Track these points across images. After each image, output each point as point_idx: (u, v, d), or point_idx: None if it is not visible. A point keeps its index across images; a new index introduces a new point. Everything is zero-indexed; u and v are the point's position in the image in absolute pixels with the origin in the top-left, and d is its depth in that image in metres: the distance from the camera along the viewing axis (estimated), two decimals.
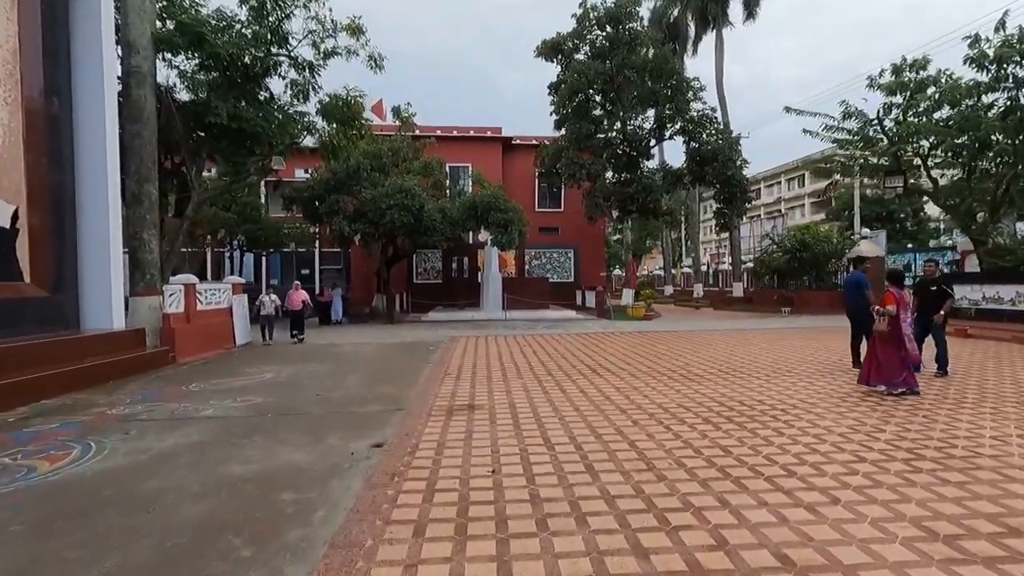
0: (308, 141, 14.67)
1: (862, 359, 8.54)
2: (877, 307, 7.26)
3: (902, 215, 41.18)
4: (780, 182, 61.10)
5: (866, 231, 22.34)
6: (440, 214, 18.83)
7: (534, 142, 30.06)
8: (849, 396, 6.84)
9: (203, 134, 13.12)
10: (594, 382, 8.07)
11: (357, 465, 4.55)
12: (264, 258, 31.44)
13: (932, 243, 38.14)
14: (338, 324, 19.58)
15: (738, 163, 22.61)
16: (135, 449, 5.12)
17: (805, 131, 19.27)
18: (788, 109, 19.75)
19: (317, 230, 24.23)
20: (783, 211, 53.27)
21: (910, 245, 35.72)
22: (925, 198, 41.91)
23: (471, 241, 28.25)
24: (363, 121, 14.24)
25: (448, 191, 22.14)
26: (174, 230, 13.25)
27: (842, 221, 39.30)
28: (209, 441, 5.33)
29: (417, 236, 18.91)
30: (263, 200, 27.51)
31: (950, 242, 33.76)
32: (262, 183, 23.44)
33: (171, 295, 11.03)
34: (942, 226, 43.50)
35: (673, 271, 39.16)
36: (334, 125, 13.73)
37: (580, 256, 30.13)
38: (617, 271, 51.38)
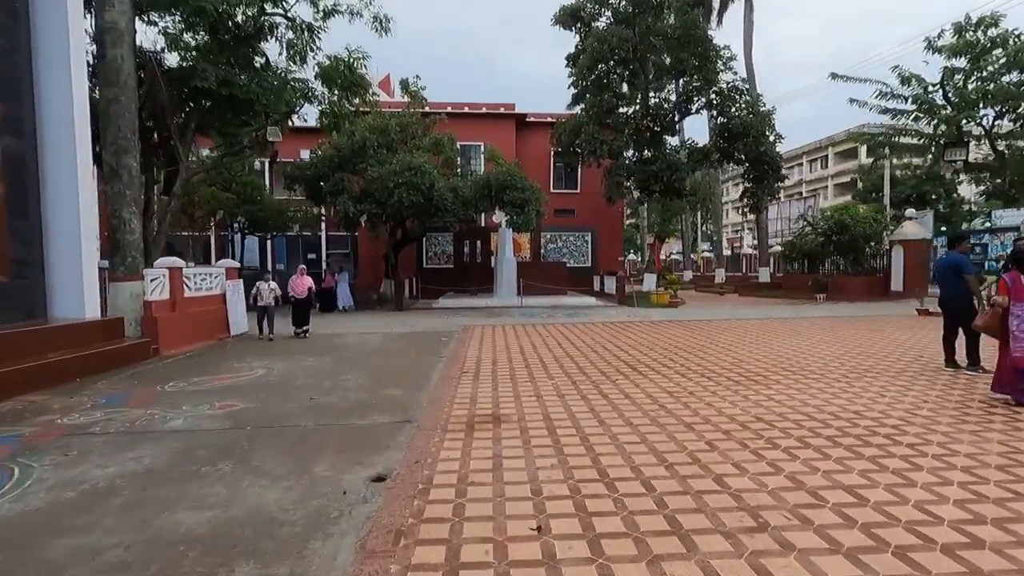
0: (309, 113, 13.39)
1: (957, 357, 7.20)
2: (995, 297, 5.86)
3: (933, 196, 39.21)
4: (802, 163, 58.88)
5: (912, 211, 20.69)
6: (451, 193, 17.51)
7: (549, 120, 28.52)
8: (968, 407, 5.50)
9: (192, 103, 11.84)
10: (639, 383, 6.80)
11: (350, 513, 3.32)
12: (268, 242, 30.52)
13: (964, 226, 36.22)
14: (344, 312, 18.41)
15: (771, 138, 20.98)
16: (65, 481, 3.93)
17: (852, 100, 17.64)
18: (834, 76, 18.08)
19: (323, 212, 23.05)
20: (805, 193, 51.22)
21: (943, 228, 33.85)
22: (960, 178, 40.03)
23: (483, 224, 26.95)
24: (367, 88, 12.86)
25: (460, 170, 20.75)
26: (162, 209, 12.06)
27: (869, 204, 37.42)
28: (162, 469, 4.13)
29: (427, 217, 17.62)
30: (267, 180, 26.42)
31: (988, 224, 31.91)
32: (263, 162, 22.24)
33: (153, 280, 9.86)
34: (973, 207, 41.45)
35: (693, 256, 37.61)
36: (335, 92, 12.40)
37: (598, 239, 28.71)
38: (632, 256, 49.84)
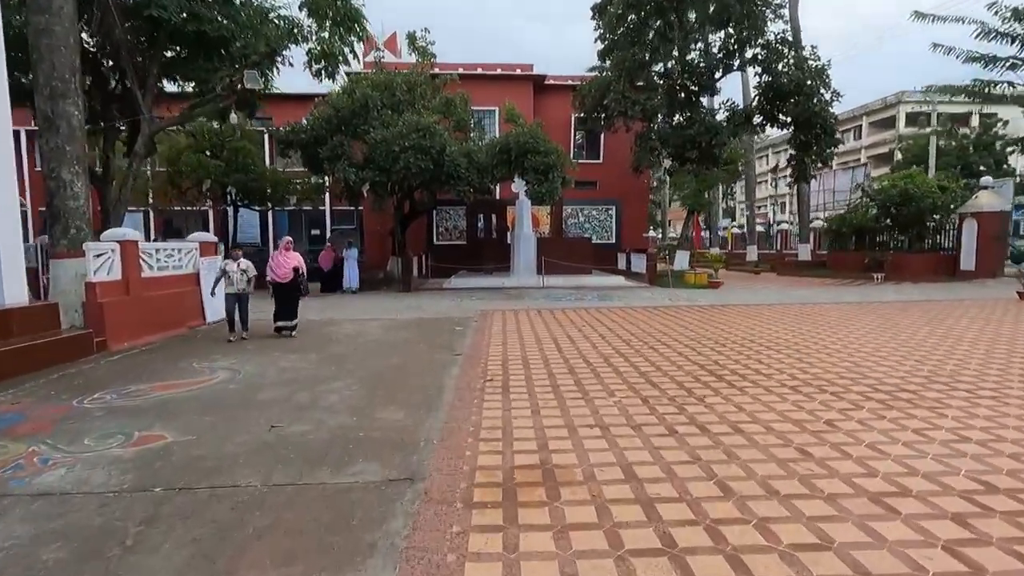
0: (301, 74, 11.23)
1: None
2: None
3: (982, 168, 36.25)
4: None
5: (988, 179, 18.19)
6: (465, 159, 15.36)
7: (570, 83, 26.08)
8: None
9: (155, 42, 9.76)
10: (739, 403, 4.79)
11: None
12: (270, 216, 28.62)
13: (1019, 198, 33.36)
14: (347, 293, 16.42)
15: (827, 97, 18.48)
16: None
17: (935, 45, 15.10)
18: (918, 14, 15.49)
19: (328, 182, 20.94)
20: (835, 166, 48.12)
21: None
22: (1011, 149, 36.98)
23: (498, 197, 24.78)
24: (363, 24, 10.65)
25: (474, 134, 18.48)
26: (123, 173, 10.09)
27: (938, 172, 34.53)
28: None
29: (437, 186, 15.52)
30: (267, 149, 24.35)
31: None
32: (262, 130, 20.14)
33: (99, 257, 7.94)
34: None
35: (721, 231, 35.17)
36: (326, 27, 10.25)
37: (622, 214, 26.44)
38: (651, 232, 47.23)
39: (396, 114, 16.30)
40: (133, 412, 4.87)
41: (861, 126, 51.84)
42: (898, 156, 42.86)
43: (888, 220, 19.61)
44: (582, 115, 23.86)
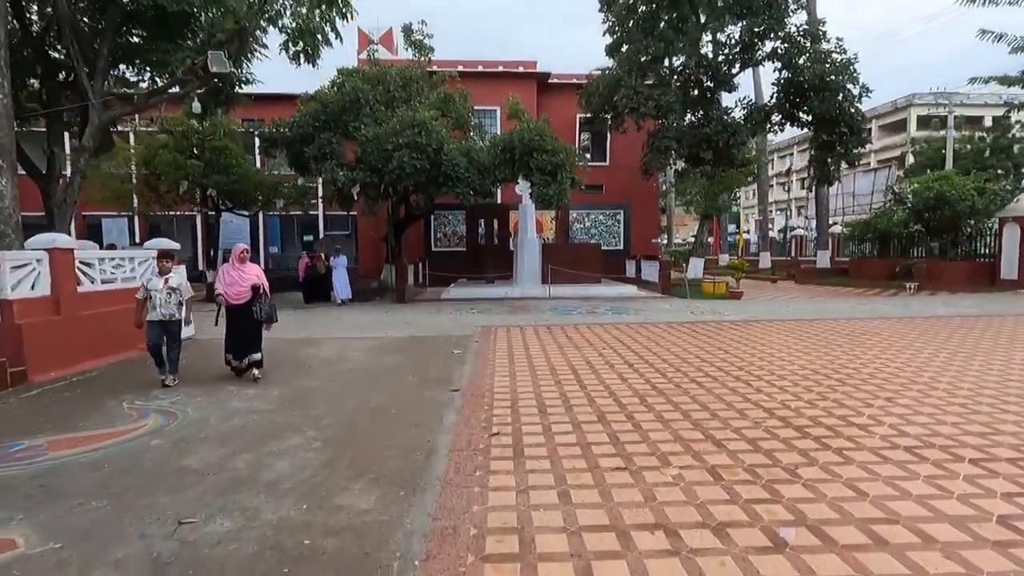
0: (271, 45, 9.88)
1: None
2: None
3: (999, 172, 34.98)
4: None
5: None
6: (465, 158, 14.03)
7: (575, 81, 24.82)
8: None
9: (105, 17, 8.43)
10: (853, 481, 3.38)
11: None
12: (260, 222, 27.30)
13: None
14: (338, 305, 14.95)
15: (856, 92, 17.18)
16: None
17: (984, 32, 13.81)
18: None
19: (321, 187, 19.59)
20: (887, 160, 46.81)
21: None
22: None
23: (500, 201, 23.45)
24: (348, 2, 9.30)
25: (474, 131, 17.12)
26: (70, 169, 8.72)
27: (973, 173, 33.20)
28: None
29: (434, 188, 14.16)
30: (256, 152, 23.01)
31: None
32: (250, 130, 18.80)
33: (20, 268, 6.55)
34: None
35: (732, 238, 33.83)
36: (304, 1, 8.92)
37: (630, 218, 25.09)
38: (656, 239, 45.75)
39: (390, 111, 14.99)
40: (0, 490, 3.48)
41: (871, 129, 50.57)
42: (910, 160, 41.68)
43: (919, 225, 18.26)
44: (588, 115, 22.61)
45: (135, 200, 18.83)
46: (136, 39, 8.86)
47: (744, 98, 19.56)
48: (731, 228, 45.68)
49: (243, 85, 13.94)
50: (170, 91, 9.52)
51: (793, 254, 27.85)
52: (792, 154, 54.94)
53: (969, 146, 37.17)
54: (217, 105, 14.02)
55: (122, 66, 9.31)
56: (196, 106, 10.70)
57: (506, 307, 13.82)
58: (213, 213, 18.21)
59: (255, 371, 6.30)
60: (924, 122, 44.81)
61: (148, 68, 9.29)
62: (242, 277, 6.25)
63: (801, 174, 49.51)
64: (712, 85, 18.83)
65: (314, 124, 14.64)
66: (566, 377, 6.24)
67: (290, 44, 9.13)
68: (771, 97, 19.44)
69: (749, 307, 13.54)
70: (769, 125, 19.43)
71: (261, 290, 6.35)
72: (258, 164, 22.50)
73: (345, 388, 5.96)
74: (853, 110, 17.64)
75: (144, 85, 9.79)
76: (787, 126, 20.30)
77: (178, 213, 22.09)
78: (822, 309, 12.82)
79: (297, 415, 4.96)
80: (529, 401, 5.27)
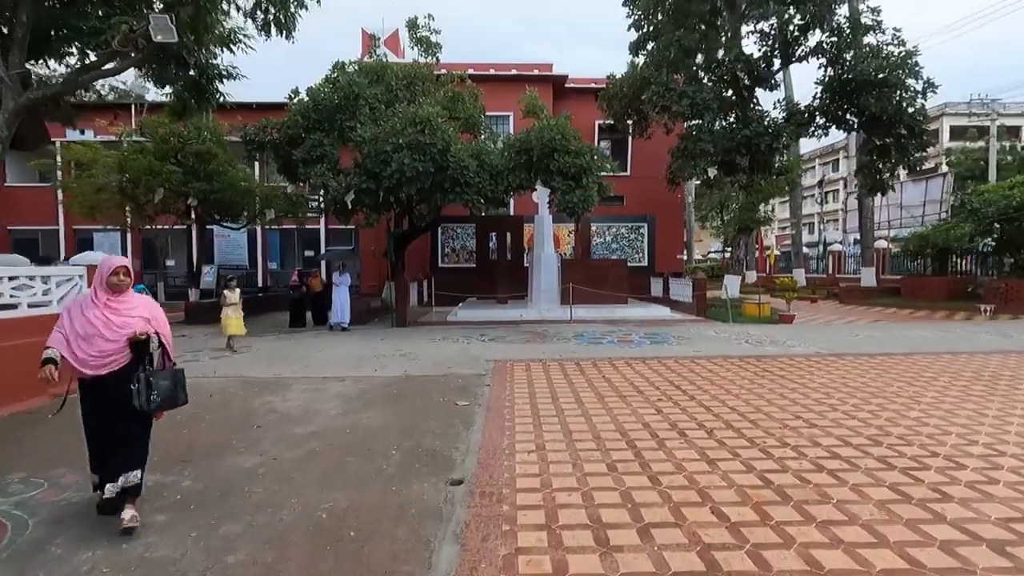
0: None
1: None
2: None
3: None
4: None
5: None
6: (474, 160, 12.15)
7: (593, 85, 23.08)
8: None
9: None
10: None
11: None
12: (259, 237, 25.66)
13: None
14: (332, 331, 12.84)
15: (919, 87, 15.17)
16: None
17: None
18: None
19: (313, 195, 17.71)
20: (852, 186, 44.49)
21: None
22: None
23: (512, 212, 21.58)
24: None
25: (485, 134, 15.22)
26: None
27: None
28: None
29: (439, 195, 12.26)
30: (257, 164, 21.32)
31: None
32: (243, 136, 17.08)
33: None
34: None
35: (769, 254, 31.65)
36: None
37: (655, 232, 23.10)
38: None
39: (390, 109, 13.21)
40: None
41: (936, 131, 48.42)
42: (943, 170, 39.39)
43: (990, 238, 16.07)
44: (610, 122, 20.80)
45: (127, 213, 17.16)
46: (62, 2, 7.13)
47: (784, 98, 17.54)
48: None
49: (223, 80, 12.29)
50: (105, 67, 7.76)
51: (831, 271, 25.62)
52: (815, 166, 52.84)
53: (1010, 157, 34.98)
54: (197, 102, 12.38)
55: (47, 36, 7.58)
56: (137, 82, 8.88)
57: (522, 333, 11.82)
58: (196, 225, 16.45)
59: (127, 515, 3.08)
60: (958, 132, 42.63)
61: (78, 41, 7.53)
62: (112, 323, 3.17)
63: (835, 185, 47.31)
64: (749, 83, 16.92)
65: (304, 123, 12.88)
66: (622, 456, 4.20)
67: (258, 9, 7.38)
68: (814, 97, 17.46)
69: (809, 334, 11.41)
70: (812, 128, 17.40)
71: (153, 346, 3.30)
72: (257, 175, 20.87)
73: (293, 475, 3.97)
74: (912, 109, 15.61)
75: (75, 60, 8.06)
76: (831, 129, 18.29)
77: (172, 227, 20.49)
78: (902, 338, 10.65)
79: (190, 546, 2.97)
80: (575, 513, 3.24)
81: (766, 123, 15.99)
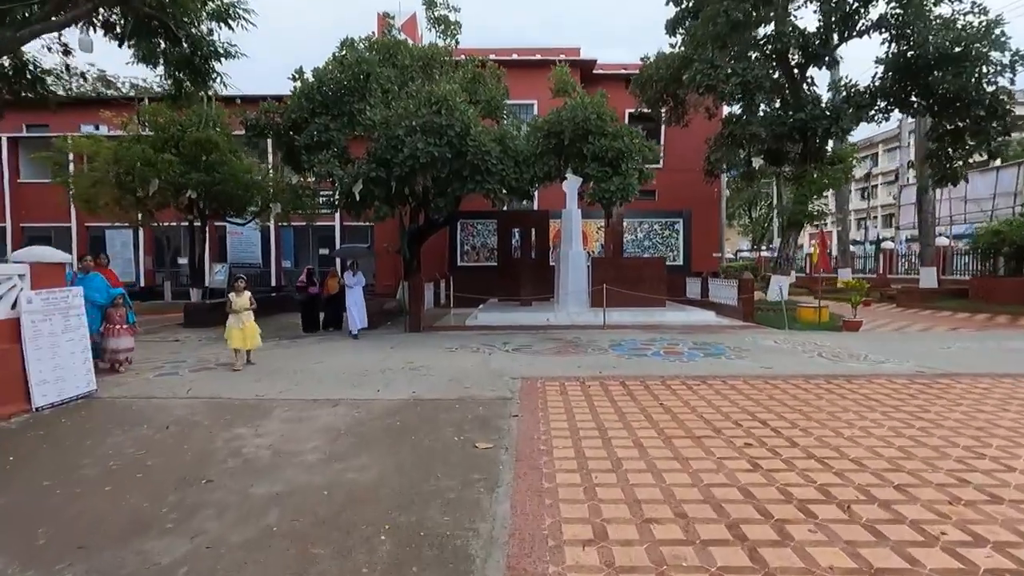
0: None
1: None
2: None
3: None
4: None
5: None
6: (497, 145, 10.72)
7: (623, 71, 21.52)
8: None
9: None
10: None
11: None
12: (272, 234, 24.68)
13: None
14: (353, 337, 11.28)
15: (1006, 60, 13.29)
16: None
17: None
18: None
19: (335, 192, 16.40)
20: (909, 178, 41.77)
21: None
22: None
23: (535, 206, 20.13)
24: None
25: (508, 120, 13.71)
26: None
27: None
28: None
29: (457, 184, 10.87)
30: (269, 157, 20.23)
31: None
32: (246, 121, 15.92)
33: None
34: None
35: (813, 252, 29.63)
36: None
37: (691, 229, 21.43)
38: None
39: (404, 91, 11.85)
40: None
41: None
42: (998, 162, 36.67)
43: None
44: (644, 109, 19.20)
45: (125, 207, 16.18)
46: None
47: (844, 78, 15.72)
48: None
49: (220, 59, 11.12)
50: (52, 19, 6.56)
51: (883, 270, 23.61)
52: (853, 159, 50.17)
53: None
54: (193, 83, 11.24)
55: None
56: (85, 40, 7.63)
57: (551, 341, 10.36)
58: (198, 223, 15.35)
59: None
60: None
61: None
62: None
63: (887, 177, 44.58)
64: (804, 61, 15.17)
65: (309, 108, 11.61)
66: (729, 558, 2.72)
67: None
68: (874, 77, 15.61)
69: (890, 345, 9.71)
70: (872, 112, 15.57)
71: None
72: (270, 168, 19.72)
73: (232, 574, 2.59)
74: (994, 87, 13.72)
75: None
76: (892, 114, 16.42)
77: (179, 224, 19.56)
78: (1005, 351, 8.91)
79: None
80: None
81: (823, 105, 14.24)
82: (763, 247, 38.55)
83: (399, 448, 4.44)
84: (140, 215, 16.20)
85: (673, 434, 4.66)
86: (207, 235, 23.88)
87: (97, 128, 22.46)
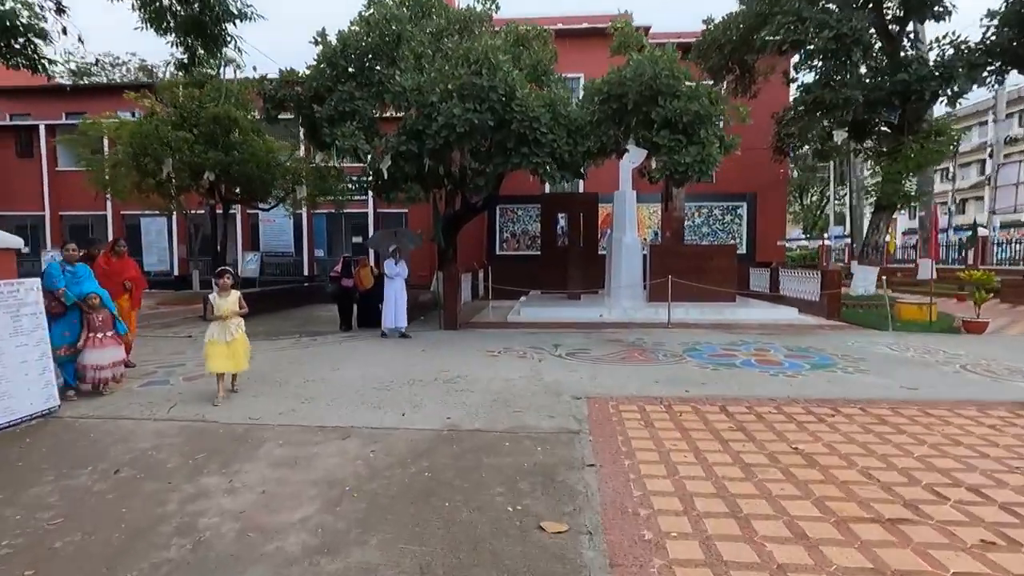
0: None
1: None
2: None
3: None
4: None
5: None
6: (547, 111, 9.05)
7: (681, 40, 19.38)
8: None
9: None
10: None
11: None
12: (304, 221, 23.73)
13: None
14: (383, 336, 9.69)
15: None
16: None
17: None
18: None
19: (369, 177, 14.90)
20: None
21: None
22: None
23: (581, 189, 18.37)
24: None
25: (557, 84, 11.93)
26: None
27: None
28: None
29: (499, 159, 9.29)
30: (301, 141, 19.11)
31: None
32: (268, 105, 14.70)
33: None
34: None
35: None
36: None
37: (755, 214, 19.28)
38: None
39: (439, 54, 10.31)
40: None
41: None
42: None
43: None
44: (706, 80, 17.09)
45: (140, 189, 15.30)
46: None
47: (951, 32, 13.32)
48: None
49: (235, 21, 9.88)
50: None
51: (974, 261, 20.88)
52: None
53: None
54: (205, 48, 10.04)
55: None
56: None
57: (610, 343, 8.71)
58: (220, 208, 14.27)
59: None
60: None
61: None
62: None
63: (979, 154, 40.55)
64: (903, 13, 12.87)
65: (332, 75, 10.22)
66: None
67: None
68: (985, 32, 13.15)
69: None
70: (989, 70, 13.13)
71: None
72: (303, 152, 18.51)
73: None
74: None
75: None
76: (1009, 74, 13.90)
77: (212, 210, 18.71)
78: None
79: None
80: None
81: (932, 64, 11.98)
82: (824, 236, 35.60)
83: (425, 527, 2.93)
84: (171, 201, 15.30)
85: (843, 511, 3.00)
86: (238, 222, 23.15)
87: (134, 115, 21.82)
